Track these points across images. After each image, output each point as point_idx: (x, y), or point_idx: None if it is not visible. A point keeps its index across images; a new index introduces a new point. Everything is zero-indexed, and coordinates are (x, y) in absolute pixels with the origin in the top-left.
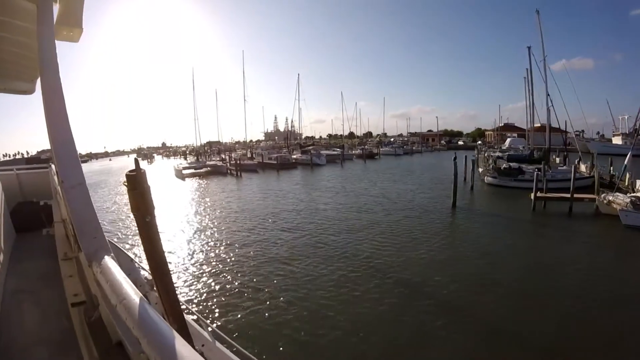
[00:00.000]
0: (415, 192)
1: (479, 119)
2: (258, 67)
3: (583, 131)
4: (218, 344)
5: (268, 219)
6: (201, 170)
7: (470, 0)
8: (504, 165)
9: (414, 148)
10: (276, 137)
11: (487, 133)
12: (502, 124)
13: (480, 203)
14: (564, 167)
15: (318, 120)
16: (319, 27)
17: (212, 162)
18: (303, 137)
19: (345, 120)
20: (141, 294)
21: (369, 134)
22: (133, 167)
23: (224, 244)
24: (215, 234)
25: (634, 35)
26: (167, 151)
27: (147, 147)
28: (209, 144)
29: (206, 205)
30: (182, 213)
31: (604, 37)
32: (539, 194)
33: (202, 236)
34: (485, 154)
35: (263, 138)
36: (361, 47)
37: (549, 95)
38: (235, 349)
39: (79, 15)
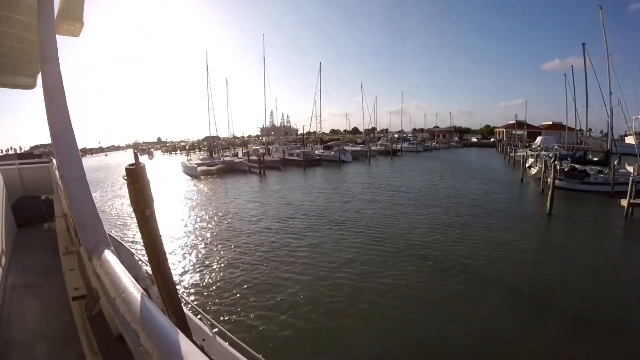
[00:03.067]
0: (488, 194)
1: (475, 116)
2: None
3: (590, 129)
4: (219, 339)
5: (364, 229)
6: (214, 168)
7: None
8: (567, 167)
9: (432, 145)
10: (272, 132)
11: (496, 130)
12: (514, 121)
13: (566, 210)
14: (625, 170)
15: (315, 115)
16: (306, 23)
17: (227, 158)
18: (299, 132)
19: (364, 112)
20: (141, 288)
21: (373, 130)
22: (129, 162)
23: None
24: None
25: (633, 32)
26: (166, 147)
27: (143, 142)
28: (208, 139)
29: (260, 211)
30: (240, 230)
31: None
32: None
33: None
34: (547, 154)
35: (259, 133)
36: (356, 42)
37: (611, 94)
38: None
39: (80, 10)
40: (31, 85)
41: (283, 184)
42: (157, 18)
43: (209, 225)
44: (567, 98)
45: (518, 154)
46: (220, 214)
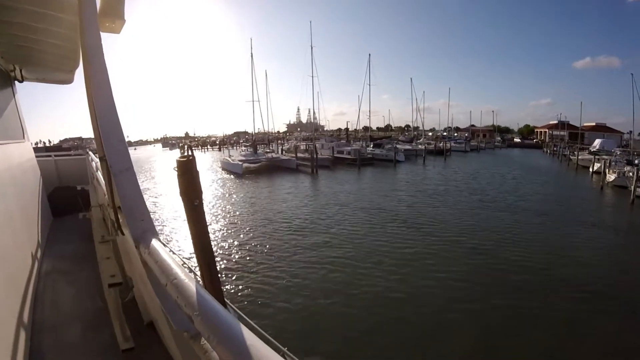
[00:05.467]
0: (583, 201)
1: (502, 116)
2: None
3: (631, 132)
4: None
5: None
6: (258, 165)
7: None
8: None
9: (478, 144)
10: (299, 129)
11: (537, 130)
12: (556, 122)
13: None
14: None
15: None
16: (327, 20)
17: (273, 154)
18: (325, 129)
19: (413, 108)
20: (191, 275)
21: (406, 127)
22: (159, 156)
23: None
24: None
25: None
26: (196, 141)
27: (172, 137)
28: (237, 134)
29: (352, 218)
30: None
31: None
32: None
33: None
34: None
35: (286, 129)
36: (382, 43)
37: None
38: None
39: (121, 7)
40: (69, 81)
41: (347, 184)
42: (188, 10)
43: (307, 241)
44: (634, 98)
45: (581, 157)
46: (307, 223)
